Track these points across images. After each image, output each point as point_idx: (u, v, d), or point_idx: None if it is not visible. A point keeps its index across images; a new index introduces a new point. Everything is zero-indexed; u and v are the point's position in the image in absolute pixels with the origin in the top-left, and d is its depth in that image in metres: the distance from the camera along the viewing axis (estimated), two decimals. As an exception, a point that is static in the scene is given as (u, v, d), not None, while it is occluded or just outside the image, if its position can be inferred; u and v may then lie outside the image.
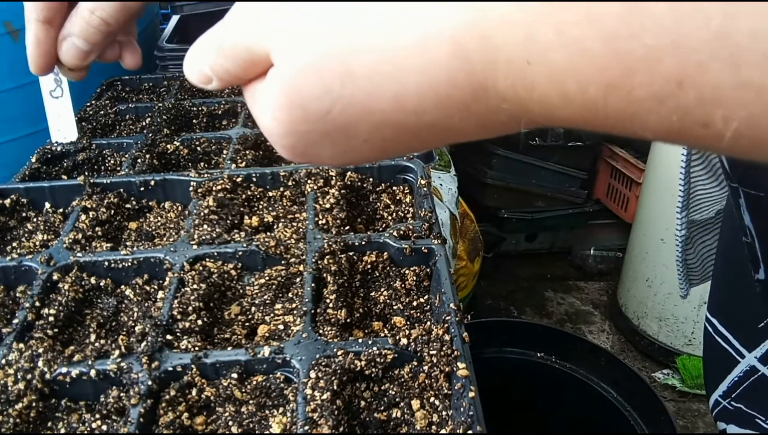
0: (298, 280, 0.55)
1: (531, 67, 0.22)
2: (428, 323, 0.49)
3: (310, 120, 0.27)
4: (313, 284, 0.53)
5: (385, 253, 0.57)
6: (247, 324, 0.53)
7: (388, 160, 0.67)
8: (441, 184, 1.55)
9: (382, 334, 0.50)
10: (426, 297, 0.53)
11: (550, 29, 0.21)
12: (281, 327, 0.51)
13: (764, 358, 0.54)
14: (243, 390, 0.46)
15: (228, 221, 0.61)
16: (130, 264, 0.57)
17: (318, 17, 0.26)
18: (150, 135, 0.78)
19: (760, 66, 0.18)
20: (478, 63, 0.23)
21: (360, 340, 0.47)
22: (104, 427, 0.44)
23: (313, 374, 0.44)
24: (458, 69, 0.24)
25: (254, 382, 0.46)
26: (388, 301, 0.53)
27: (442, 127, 0.26)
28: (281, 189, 0.66)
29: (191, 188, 0.65)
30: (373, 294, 0.55)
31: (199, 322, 0.51)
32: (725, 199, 0.62)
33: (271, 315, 0.53)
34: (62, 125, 0.76)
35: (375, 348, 0.46)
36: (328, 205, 0.61)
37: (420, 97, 0.25)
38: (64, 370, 0.46)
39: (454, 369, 0.44)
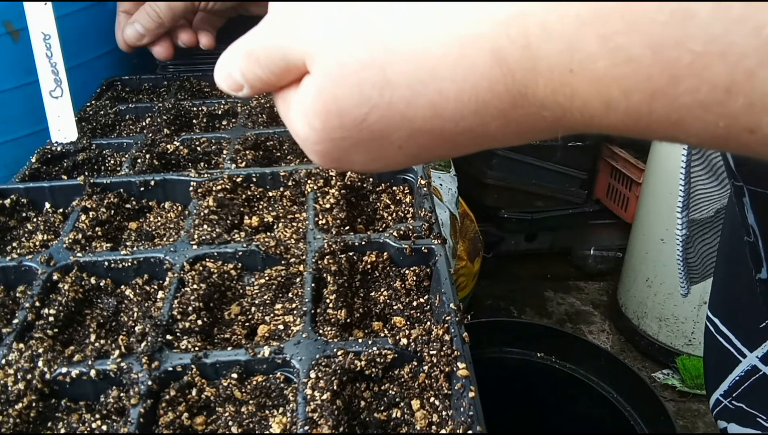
0: (298, 280, 0.55)
1: (573, 75, 0.22)
2: (428, 323, 0.49)
3: (346, 127, 0.27)
4: (313, 284, 0.53)
5: (385, 253, 0.57)
6: (247, 324, 0.53)
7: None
8: (441, 184, 1.55)
9: (382, 334, 0.50)
10: (426, 297, 0.53)
11: (593, 37, 0.21)
12: (281, 327, 0.51)
13: (765, 357, 0.54)
14: (243, 390, 0.46)
15: (228, 221, 0.61)
16: (130, 264, 0.57)
17: (355, 24, 0.26)
18: (150, 135, 0.78)
19: None
20: (519, 71, 0.23)
21: (360, 340, 0.47)
22: (104, 427, 0.44)
23: (313, 374, 0.44)
24: (498, 77, 0.23)
25: (254, 382, 0.46)
26: (388, 301, 0.53)
27: (478, 133, 0.26)
28: (281, 189, 0.66)
29: (191, 188, 0.65)
30: (373, 294, 0.55)
31: (199, 322, 0.51)
32: (725, 198, 0.62)
33: (271, 315, 0.53)
34: (62, 125, 0.76)
35: (375, 348, 0.46)
36: (328, 205, 0.61)
37: (458, 104, 0.25)
38: (64, 370, 0.46)
39: (454, 369, 0.44)
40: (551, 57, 0.22)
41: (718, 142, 0.21)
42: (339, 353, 0.46)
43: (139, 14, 0.83)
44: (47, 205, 0.66)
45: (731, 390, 0.58)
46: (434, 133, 0.26)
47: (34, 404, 0.45)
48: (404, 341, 0.47)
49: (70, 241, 0.59)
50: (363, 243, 0.57)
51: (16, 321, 0.51)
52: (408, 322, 0.51)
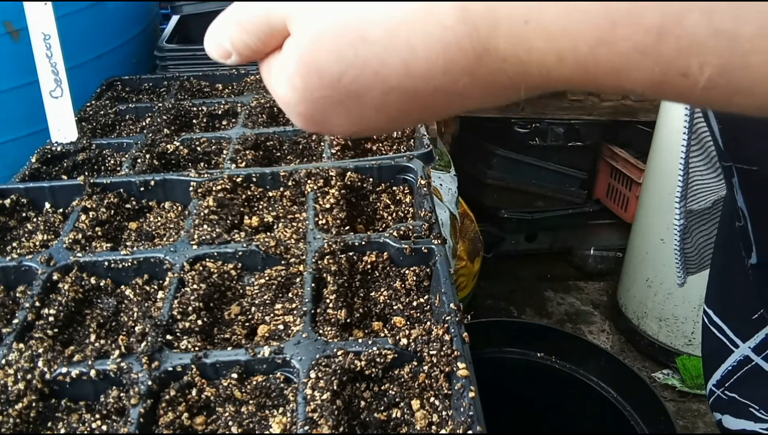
0: (298, 280, 0.55)
1: (528, 27, 0.23)
2: (428, 323, 0.49)
3: (325, 86, 0.28)
4: (313, 284, 0.53)
5: (385, 253, 0.57)
6: (247, 324, 0.53)
7: (389, 160, 0.67)
8: (441, 184, 1.55)
9: (382, 334, 0.50)
10: (426, 297, 0.53)
11: None
12: (281, 327, 0.51)
13: (758, 348, 0.55)
14: (243, 390, 0.46)
15: (228, 221, 0.61)
16: (130, 264, 0.57)
17: None
18: (150, 135, 0.78)
19: (730, 13, 0.19)
20: (483, 27, 0.24)
21: (360, 340, 0.47)
22: (104, 427, 0.44)
23: (313, 374, 0.44)
24: (464, 33, 0.25)
25: (254, 382, 0.46)
26: (388, 301, 0.53)
27: (448, 91, 0.27)
28: (281, 189, 0.66)
29: (191, 188, 0.65)
30: (373, 294, 0.55)
31: (199, 322, 0.51)
32: (723, 190, 0.63)
33: (271, 315, 0.53)
34: (62, 125, 0.76)
35: (375, 348, 0.46)
36: (328, 205, 0.61)
37: (428, 62, 0.26)
38: (64, 370, 0.46)
39: (454, 369, 0.44)
40: (510, 10, 0.24)
41: (657, 88, 0.23)
42: (339, 353, 0.46)
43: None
44: (47, 205, 0.66)
45: (723, 380, 0.59)
46: (407, 92, 0.28)
47: (34, 404, 0.45)
48: (404, 341, 0.47)
49: (70, 241, 0.59)
50: (363, 243, 0.57)
51: (16, 321, 0.51)
52: (408, 322, 0.51)
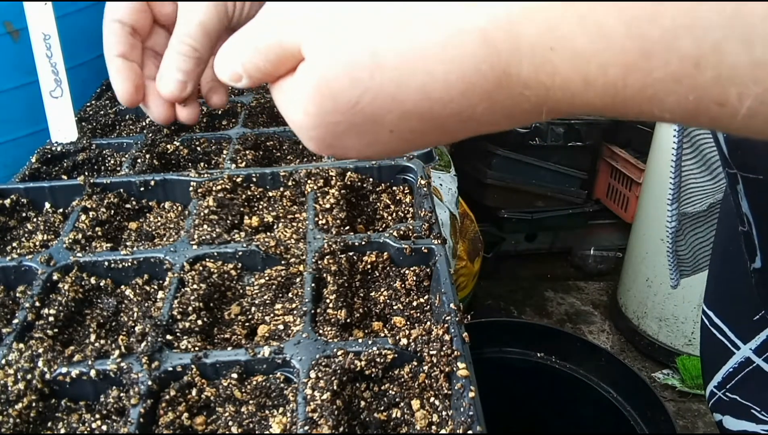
0: (298, 280, 0.55)
1: (553, 53, 0.23)
2: (428, 323, 0.49)
3: (340, 110, 0.28)
4: (313, 284, 0.53)
5: (385, 253, 0.57)
6: (247, 324, 0.53)
7: (389, 160, 0.67)
8: (441, 184, 1.55)
9: (382, 334, 0.50)
10: (426, 297, 0.53)
11: (573, 16, 0.22)
12: (281, 327, 0.51)
13: (759, 349, 0.55)
14: (243, 390, 0.46)
15: (228, 221, 0.61)
16: (130, 264, 0.57)
17: (348, 12, 0.27)
18: (150, 135, 0.78)
19: (766, 42, 0.19)
20: (504, 51, 0.24)
21: (360, 340, 0.47)
22: (104, 427, 0.44)
23: (313, 374, 0.44)
24: (484, 58, 0.24)
25: (254, 382, 0.46)
26: (388, 301, 0.53)
27: (466, 116, 0.27)
28: (281, 189, 0.66)
29: (191, 188, 0.65)
30: (373, 294, 0.55)
31: (199, 322, 0.51)
32: (720, 193, 0.63)
33: (271, 315, 0.53)
34: (62, 125, 0.76)
35: (375, 348, 0.46)
36: (328, 205, 0.61)
37: (446, 85, 0.26)
38: (64, 370, 0.46)
39: (454, 369, 0.44)
40: (533, 36, 0.23)
41: (689, 116, 0.22)
42: (339, 353, 0.46)
43: (169, 57, 0.49)
44: (47, 205, 0.66)
45: (725, 381, 0.59)
46: (424, 115, 0.27)
47: (34, 404, 0.45)
48: (404, 341, 0.47)
49: (70, 241, 0.59)
50: (363, 243, 0.57)
51: (16, 321, 0.51)
52: (408, 322, 0.51)
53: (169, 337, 0.49)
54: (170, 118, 0.54)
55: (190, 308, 0.51)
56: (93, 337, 0.51)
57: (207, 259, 0.56)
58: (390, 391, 0.46)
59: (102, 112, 0.87)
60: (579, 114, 0.25)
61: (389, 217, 0.64)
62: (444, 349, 0.45)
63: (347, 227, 0.60)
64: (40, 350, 0.47)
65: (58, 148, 0.76)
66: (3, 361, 0.47)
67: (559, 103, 0.24)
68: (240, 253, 0.57)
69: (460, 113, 0.27)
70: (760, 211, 0.47)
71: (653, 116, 0.23)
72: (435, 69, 0.25)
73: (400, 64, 0.26)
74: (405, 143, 0.30)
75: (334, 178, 0.65)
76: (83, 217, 0.62)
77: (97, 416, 0.45)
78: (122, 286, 0.57)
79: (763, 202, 0.47)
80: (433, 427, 0.43)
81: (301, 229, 0.60)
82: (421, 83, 0.26)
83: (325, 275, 0.54)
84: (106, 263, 0.57)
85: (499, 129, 0.28)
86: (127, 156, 0.75)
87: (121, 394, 0.45)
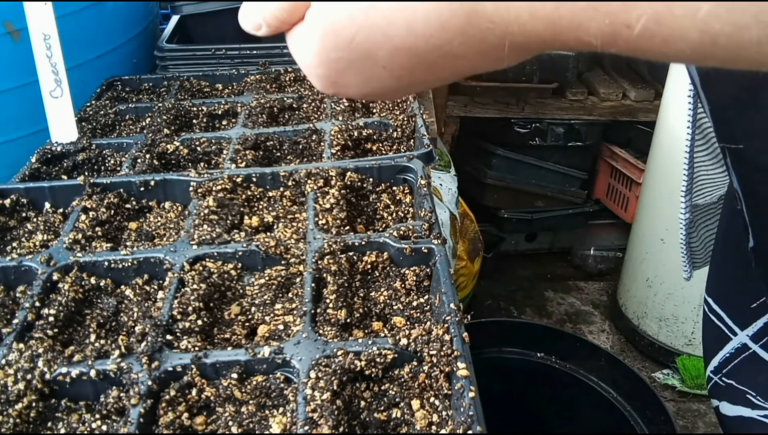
0: (298, 280, 0.55)
1: None
2: (428, 323, 0.49)
3: (340, 47, 0.33)
4: (313, 284, 0.53)
5: (385, 253, 0.57)
6: (247, 324, 0.53)
7: (389, 160, 0.67)
8: (441, 184, 1.55)
9: (382, 334, 0.50)
10: (426, 297, 0.53)
11: None
12: (281, 327, 0.51)
13: (756, 336, 0.56)
14: (243, 390, 0.46)
15: (228, 221, 0.61)
16: (130, 264, 0.57)
17: None
18: (150, 135, 0.78)
19: None
20: None
21: (360, 340, 0.47)
22: (104, 427, 0.44)
23: (313, 374, 0.44)
24: None
25: (254, 382, 0.46)
26: (388, 301, 0.53)
27: (445, 51, 0.31)
28: (281, 189, 0.66)
29: (191, 188, 0.65)
30: (373, 294, 0.55)
31: (199, 322, 0.51)
32: (727, 185, 0.63)
33: (271, 315, 0.53)
34: (62, 125, 0.76)
35: (375, 348, 0.46)
36: (328, 205, 0.61)
37: (426, 21, 0.30)
38: (64, 370, 0.46)
39: (454, 369, 0.44)
40: None
41: (610, 40, 0.26)
42: (339, 353, 0.46)
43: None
44: (47, 205, 0.66)
45: (721, 366, 0.60)
46: (410, 50, 0.32)
47: (34, 404, 0.45)
48: (404, 341, 0.47)
49: (70, 241, 0.59)
50: (363, 243, 0.57)
51: (16, 321, 0.51)
52: (408, 322, 0.51)
53: (169, 337, 0.49)
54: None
55: (190, 308, 0.51)
56: (93, 337, 0.51)
57: (207, 259, 0.56)
58: (390, 391, 0.46)
59: (102, 112, 0.87)
60: (537, 50, 0.30)
61: (389, 217, 0.64)
62: (444, 349, 0.45)
63: (347, 227, 0.60)
64: (40, 350, 0.47)
65: (58, 148, 0.76)
66: (3, 361, 0.47)
67: (516, 36, 0.29)
68: (240, 253, 0.57)
69: (440, 47, 0.31)
70: (745, 183, 0.48)
71: (586, 43, 0.27)
72: (417, 7, 0.30)
73: (390, 4, 0.31)
74: (397, 80, 0.34)
75: (334, 178, 0.65)
76: (83, 217, 0.62)
77: (97, 416, 0.45)
78: (122, 286, 0.57)
79: (746, 173, 0.47)
80: (433, 427, 0.43)
81: (301, 229, 0.60)
82: (406, 20, 0.30)
83: (325, 275, 0.54)
84: (106, 263, 0.57)
85: (474, 67, 0.33)
86: (127, 156, 0.75)
87: (121, 394, 0.45)
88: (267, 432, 0.43)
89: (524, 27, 0.28)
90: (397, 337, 0.47)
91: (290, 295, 0.54)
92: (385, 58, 0.33)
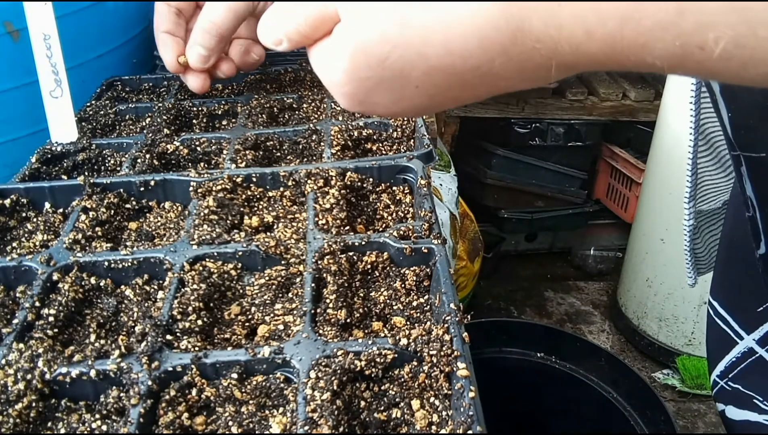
0: (298, 280, 0.55)
1: (559, 7, 0.26)
2: (428, 323, 0.49)
3: (371, 65, 0.31)
4: (313, 284, 0.53)
5: (385, 254, 0.57)
6: (247, 324, 0.53)
7: (389, 160, 0.67)
8: (441, 184, 1.55)
9: (382, 334, 0.50)
10: (426, 297, 0.53)
11: None
12: (281, 327, 0.51)
13: (762, 340, 0.55)
14: (243, 390, 0.46)
15: (228, 221, 0.61)
16: (130, 264, 0.57)
17: None
18: (150, 135, 0.78)
19: None
20: (516, 7, 0.27)
21: (360, 340, 0.47)
22: (104, 427, 0.44)
23: (313, 374, 0.44)
24: (497, 13, 0.27)
25: (254, 382, 0.46)
26: (388, 301, 0.53)
27: (485, 70, 0.29)
28: (281, 189, 0.66)
29: (191, 188, 0.65)
30: (373, 294, 0.55)
31: (199, 322, 0.51)
32: (731, 191, 0.63)
33: (271, 315, 0.53)
34: (62, 125, 0.76)
35: (375, 348, 0.46)
36: (328, 206, 0.61)
37: (464, 40, 0.28)
38: (64, 370, 0.46)
39: (454, 369, 0.44)
40: None
41: (677, 62, 0.25)
42: (339, 353, 0.46)
43: (197, 34, 0.68)
44: (47, 205, 0.66)
45: (727, 371, 0.59)
46: (446, 70, 0.30)
47: (34, 404, 0.45)
48: (404, 341, 0.47)
49: (70, 241, 0.59)
50: (363, 243, 0.57)
51: (16, 321, 0.51)
52: (408, 322, 0.51)
53: (169, 337, 0.49)
54: (204, 88, 0.75)
55: (190, 308, 0.51)
56: (93, 337, 0.51)
57: (207, 259, 0.56)
58: (390, 391, 0.46)
59: (102, 112, 0.87)
60: (583, 69, 0.28)
61: (389, 217, 0.64)
62: (444, 349, 0.45)
63: (347, 227, 0.60)
64: (40, 350, 0.47)
65: (58, 148, 0.76)
66: (3, 361, 0.47)
67: (565, 56, 0.27)
68: (240, 253, 0.57)
69: (479, 67, 0.29)
70: (763, 192, 0.48)
71: (647, 64, 0.26)
72: (454, 25, 0.28)
73: (425, 23, 0.29)
74: (429, 99, 0.33)
75: (334, 178, 0.65)
76: (83, 217, 0.62)
77: (97, 416, 0.45)
78: (122, 286, 0.57)
79: (766, 182, 0.47)
80: (433, 427, 0.43)
81: (301, 229, 0.60)
82: (443, 39, 0.29)
83: (325, 275, 0.54)
84: (106, 263, 0.57)
85: (512, 86, 0.31)
86: (127, 156, 0.75)
87: (121, 394, 0.45)
88: (267, 432, 0.43)
89: (577, 47, 0.26)
90: (397, 337, 0.47)
91: (290, 295, 0.54)
92: (418, 78, 0.31)
